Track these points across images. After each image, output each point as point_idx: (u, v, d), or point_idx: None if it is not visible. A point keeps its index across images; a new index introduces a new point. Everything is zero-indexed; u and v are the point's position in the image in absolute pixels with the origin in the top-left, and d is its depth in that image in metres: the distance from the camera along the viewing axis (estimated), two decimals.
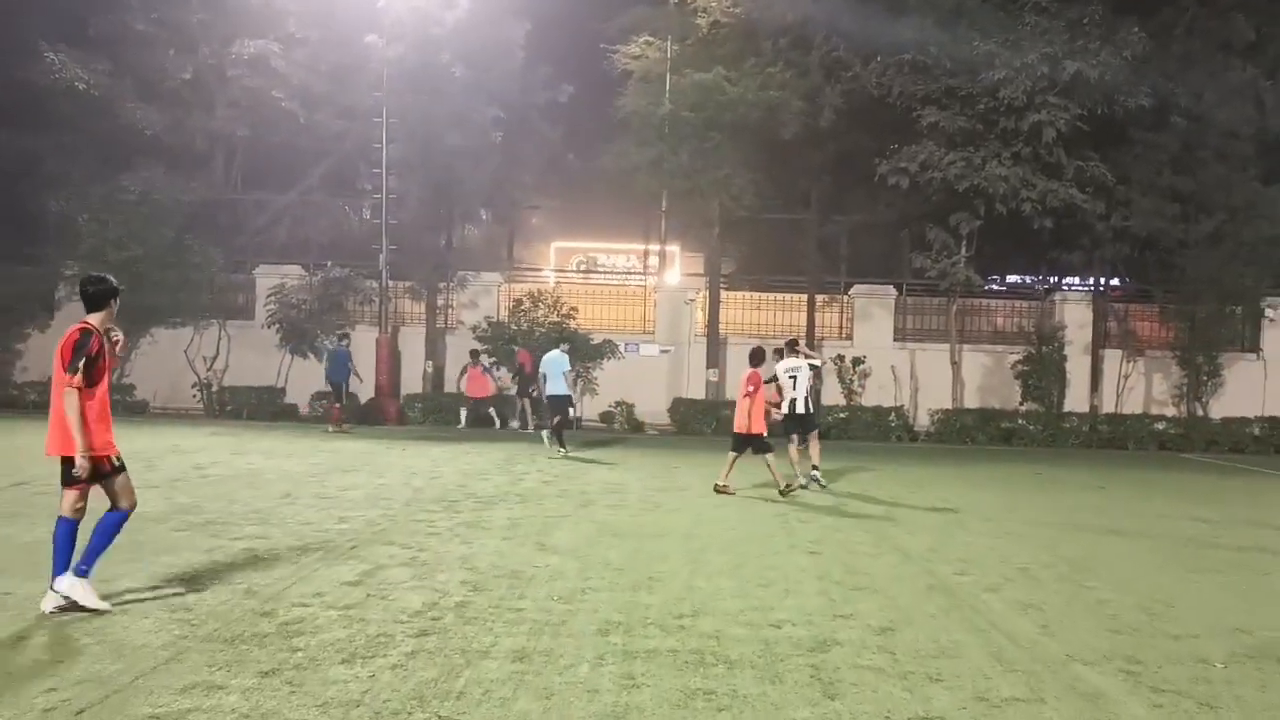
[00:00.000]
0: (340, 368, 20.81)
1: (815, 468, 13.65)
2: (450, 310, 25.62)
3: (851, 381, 24.25)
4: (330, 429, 20.28)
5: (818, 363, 14.26)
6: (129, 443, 16.23)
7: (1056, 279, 27.43)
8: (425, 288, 24.67)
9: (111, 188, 23.63)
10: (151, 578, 7.26)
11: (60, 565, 6.34)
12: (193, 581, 7.20)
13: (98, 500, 6.52)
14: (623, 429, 23.39)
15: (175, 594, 6.84)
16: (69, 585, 6.31)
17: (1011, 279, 30.07)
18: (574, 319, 24.34)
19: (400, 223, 23.69)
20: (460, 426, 22.14)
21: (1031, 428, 23.24)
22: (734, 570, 8.15)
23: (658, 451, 18.73)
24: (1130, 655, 6.11)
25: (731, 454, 12.93)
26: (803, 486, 13.12)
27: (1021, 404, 24.06)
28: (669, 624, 6.47)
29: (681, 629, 6.37)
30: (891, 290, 25.95)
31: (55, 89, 23.40)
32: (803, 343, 15.23)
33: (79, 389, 6.27)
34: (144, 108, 23.95)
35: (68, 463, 6.26)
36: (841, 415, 23.31)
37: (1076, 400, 24.68)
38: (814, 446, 13.72)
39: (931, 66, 21.47)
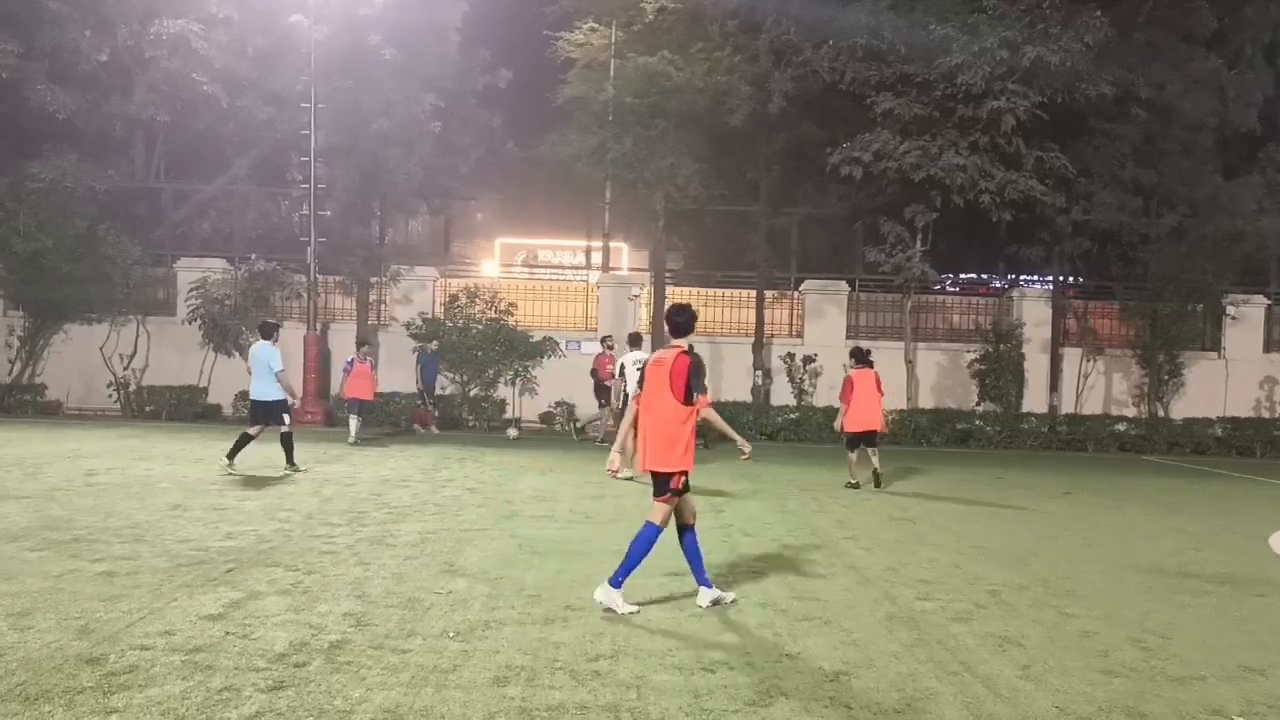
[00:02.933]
0: (432, 370, 21.19)
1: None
2: (383, 306, 24.34)
3: (802, 381, 23.34)
4: (419, 429, 20.93)
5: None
6: (25, 446, 15.10)
7: (1014, 275, 26.75)
8: (356, 282, 23.36)
9: (20, 175, 22.17)
10: None
11: (699, 574, 6.89)
12: (21, 616, 6.03)
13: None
14: (563, 430, 22.25)
15: None
16: (606, 594, 6.61)
17: (968, 275, 29.35)
18: (513, 315, 23.20)
19: (330, 214, 22.41)
20: (351, 441, 17.71)
21: (989, 429, 22.50)
22: (666, 598, 7.09)
23: (597, 456, 17.61)
24: (1131, 707, 5.13)
25: (851, 453, 13.92)
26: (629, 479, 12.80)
27: (978, 404, 23.31)
28: (581, 669, 5.40)
29: (596, 675, 5.30)
30: (844, 286, 25.09)
31: None
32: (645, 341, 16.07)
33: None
34: (56, 91, 22.32)
35: (668, 477, 6.63)
36: (792, 416, 22.38)
37: (1035, 400, 24.00)
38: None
39: (885, 52, 20.58)
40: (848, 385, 13.94)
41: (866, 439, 13.91)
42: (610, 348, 19.42)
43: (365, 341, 20.53)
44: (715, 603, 6.83)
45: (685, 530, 6.91)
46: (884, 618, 6.74)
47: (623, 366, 13.95)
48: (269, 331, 13.71)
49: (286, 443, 13.70)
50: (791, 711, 4.88)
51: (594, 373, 19.95)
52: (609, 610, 6.59)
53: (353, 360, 19.16)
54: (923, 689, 5.28)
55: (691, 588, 7.19)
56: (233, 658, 5.38)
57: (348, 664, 5.34)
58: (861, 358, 14.19)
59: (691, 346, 6.93)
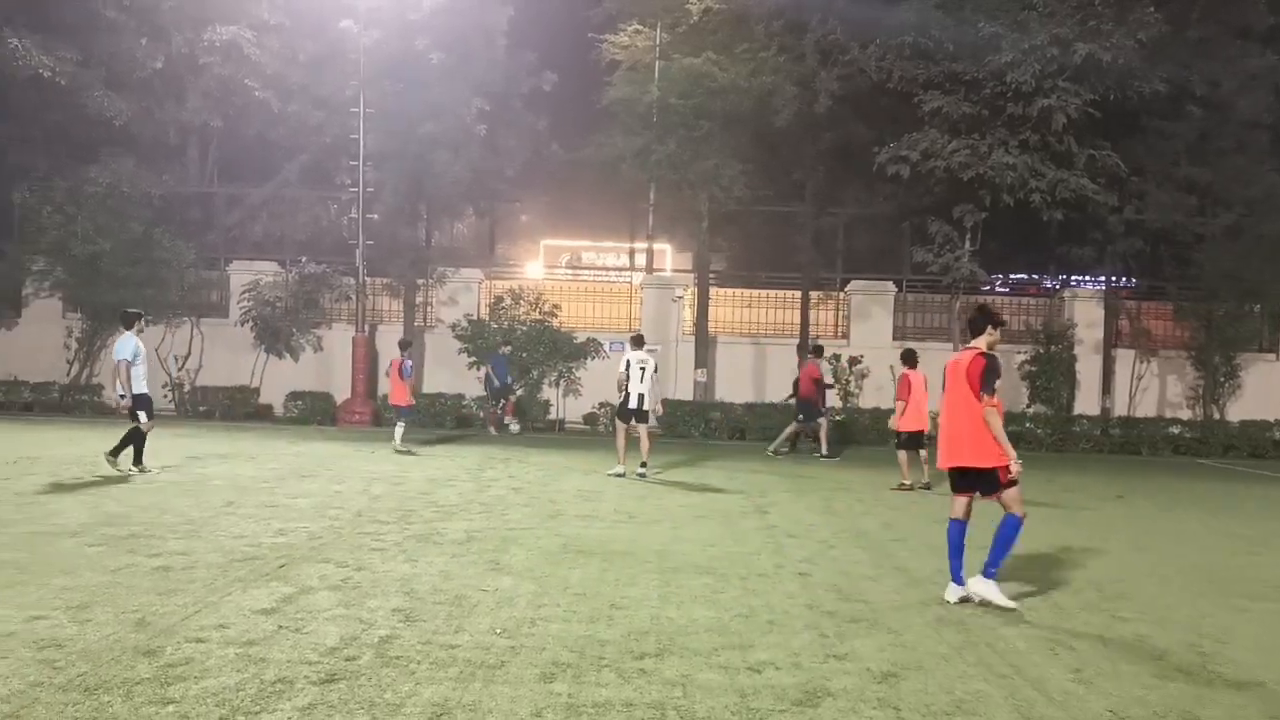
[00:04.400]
0: (502, 372, 21.51)
1: (644, 463, 14.17)
2: (429, 308, 24.57)
3: (848, 382, 23.17)
4: (507, 424, 21.30)
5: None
6: (83, 445, 15.42)
7: (1066, 275, 26.33)
8: (403, 284, 23.61)
9: (78, 180, 22.68)
10: (35, 604, 6.24)
11: (957, 569, 7.13)
12: (81, 609, 6.16)
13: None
14: (607, 431, 22.27)
15: (53, 626, 5.79)
16: (983, 587, 6.97)
17: (1018, 275, 28.95)
18: (557, 316, 23.30)
19: (378, 217, 22.67)
20: (397, 447, 16.57)
21: (1040, 431, 22.18)
22: (711, 597, 7.08)
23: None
24: (1187, 711, 5.04)
25: (903, 454, 14.04)
26: (632, 474, 13.86)
27: (1028, 406, 22.99)
28: (627, 666, 5.41)
29: (642, 673, 5.31)
30: (890, 286, 24.87)
31: (18, 77, 22.29)
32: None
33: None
34: (113, 97, 22.84)
35: (993, 473, 6.92)
36: (838, 418, 22.21)
37: (1087, 402, 23.62)
38: (645, 442, 14.25)
39: (933, 50, 20.34)
40: (904, 384, 14.21)
41: (918, 440, 14.09)
42: (821, 355, 18.95)
43: (408, 343, 18.86)
44: (964, 600, 7.09)
45: (961, 523, 7.25)
46: (932, 620, 6.68)
47: (626, 364, 14.19)
48: (128, 321, 13.08)
49: (131, 439, 12.77)
50: (839, 712, 4.86)
51: (797, 384, 18.64)
52: (984, 602, 6.91)
53: (394, 362, 17.51)
54: (973, 691, 5.22)
55: (741, 589, 7.19)
56: (285, 651, 5.46)
57: (397, 659, 5.40)
58: (912, 359, 14.45)
59: (991, 347, 7.20)
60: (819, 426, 18.11)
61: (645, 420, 14.32)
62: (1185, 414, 23.56)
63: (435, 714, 4.63)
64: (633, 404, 14.07)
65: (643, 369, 14.12)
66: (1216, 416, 23.28)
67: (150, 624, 5.90)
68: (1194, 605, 7.41)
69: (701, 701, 4.91)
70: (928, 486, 13.84)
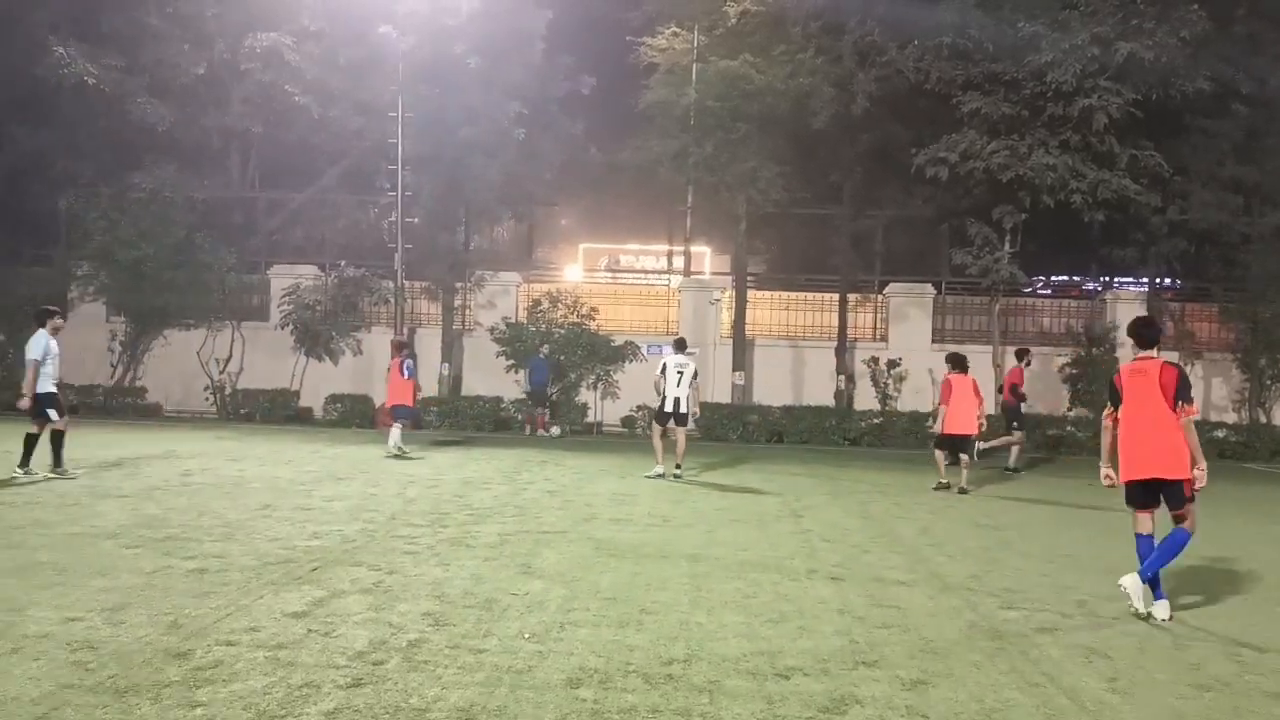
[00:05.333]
0: (541, 375, 21.66)
1: (678, 465, 14.33)
2: (467, 311, 24.71)
3: (886, 385, 22.98)
4: (542, 432, 21.47)
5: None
6: (125, 448, 15.68)
7: (1108, 277, 25.96)
8: (442, 288, 23.76)
9: (122, 186, 23.12)
10: (71, 605, 6.32)
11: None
12: (115, 611, 6.23)
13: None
14: (644, 434, 22.27)
15: (87, 627, 5.87)
16: (1134, 585, 6.92)
17: (1059, 277, 28.58)
18: (594, 319, 23.33)
19: (417, 221, 22.85)
20: (395, 449, 16.01)
21: (1080, 435, 21.82)
22: (742, 602, 7.04)
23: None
24: None
25: (939, 453, 14.15)
26: (669, 475, 14.09)
27: (1070, 410, 22.66)
28: (655, 672, 5.39)
29: (669, 679, 5.28)
30: (929, 289, 24.64)
31: (64, 85, 22.76)
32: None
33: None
34: (156, 104, 23.29)
35: (1182, 485, 6.88)
36: (876, 421, 22.06)
37: None
38: (681, 444, 14.42)
39: (972, 50, 20.15)
40: (946, 388, 14.17)
41: (960, 444, 14.05)
42: (1029, 362, 18.12)
43: (403, 343, 18.38)
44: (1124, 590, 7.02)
45: (1149, 537, 7.15)
46: (965, 627, 6.59)
47: (664, 367, 14.28)
48: (40, 318, 12.49)
49: (30, 443, 12.24)
50: (867, 719, 4.80)
51: (1003, 389, 18.15)
52: (1151, 616, 6.87)
53: (412, 363, 17.11)
54: (1003, 700, 5.14)
55: (772, 593, 7.15)
56: (314, 655, 5.49)
57: (425, 663, 5.41)
58: (958, 363, 14.36)
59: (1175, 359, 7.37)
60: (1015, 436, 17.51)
61: (683, 423, 14.45)
62: (1231, 417, 23.10)
63: (460, 719, 4.63)
64: (669, 407, 14.22)
65: (680, 373, 14.24)
66: (1263, 420, 22.81)
67: (183, 626, 5.96)
68: (1234, 613, 7.24)
69: (728, 709, 4.88)
70: (964, 490, 13.74)
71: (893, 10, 20.62)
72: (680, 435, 14.42)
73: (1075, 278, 28.17)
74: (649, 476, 14.12)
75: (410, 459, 15.78)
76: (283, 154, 25.81)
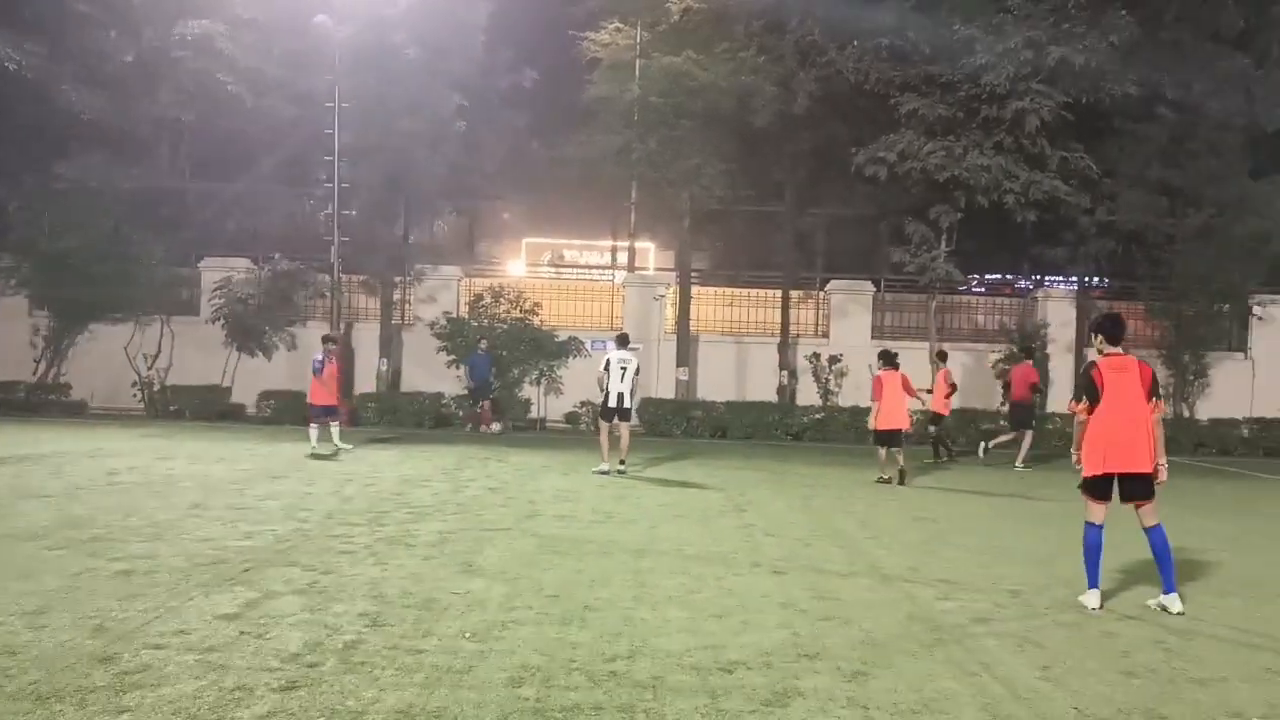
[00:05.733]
0: (482, 370, 21.41)
1: (623, 461, 14.42)
2: (407, 306, 24.41)
3: (828, 381, 23.22)
4: (485, 429, 21.12)
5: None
6: (49, 446, 15.22)
7: (1039, 276, 26.50)
8: (380, 282, 23.44)
9: (47, 176, 22.43)
10: None
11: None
12: (37, 615, 6.03)
13: None
14: (588, 430, 22.24)
15: (8, 632, 5.67)
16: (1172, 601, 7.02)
17: (993, 276, 29.10)
18: (538, 315, 23.20)
19: (355, 214, 22.49)
20: (314, 448, 15.61)
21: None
22: (685, 597, 7.04)
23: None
24: (1151, 709, 5.04)
25: (881, 449, 14.58)
26: (614, 471, 14.17)
27: (1003, 404, 23.05)
28: (598, 669, 5.35)
29: (612, 676, 5.25)
30: (869, 286, 24.95)
31: None
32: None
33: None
34: (83, 92, 22.52)
35: (1152, 478, 7.02)
36: (818, 416, 22.27)
37: (1060, 400, 23.72)
38: (625, 440, 14.50)
39: (910, 52, 20.42)
40: (877, 385, 14.57)
41: (894, 438, 14.44)
42: (1032, 356, 18.83)
43: (333, 338, 17.51)
44: (1163, 609, 7.09)
45: (1100, 528, 7.26)
46: (904, 617, 6.66)
47: (607, 363, 14.40)
48: None
49: None
50: (808, 712, 4.82)
51: (1008, 387, 18.92)
52: (1163, 609, 7.01)
53: (324, 360, 16.16)
54: (941, 689, 5.20)
55: (716, 588, 7.16)
56: (246, 657, 5.37)
57: (361, 664, 5.31)
58: (889, 360, 14.73)
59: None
60: (1023, 435, 17.84)
61: (627, 419, 14.57)
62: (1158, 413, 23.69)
63: None
64: (612, 403, 14.32)
65: (623, 368, 14.34)
66: (1187, 415, 23.46)
67: (108, 630, 5.79)
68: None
69: (671, 704, 4.86)
70: (902, 481, 14.13)
71: (833, 11, 20.78)
72: (624, 431, 14.53)
73: (1008, 276, 28.69)
74: (597, 472, 14.19)
75: (325, 459, 15.16)
76: (215, 144, 25.21)
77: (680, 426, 21.88)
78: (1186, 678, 5.59)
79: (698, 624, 6.33)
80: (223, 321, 22.75)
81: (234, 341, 22.90)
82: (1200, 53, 22.08)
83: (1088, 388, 7.18)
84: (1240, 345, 24.44)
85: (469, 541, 8.82)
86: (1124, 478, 7.05)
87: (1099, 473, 7.09)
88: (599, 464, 14.43)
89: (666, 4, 22.75)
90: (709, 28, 22.67)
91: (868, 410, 22.21)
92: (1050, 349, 23.65)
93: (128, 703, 4.65)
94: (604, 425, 14.65)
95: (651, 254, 29.62)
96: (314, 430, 15.95)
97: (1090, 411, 7.11)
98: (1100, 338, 7.30)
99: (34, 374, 22.95)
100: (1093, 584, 7.17)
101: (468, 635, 5.91)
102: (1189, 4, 22.20)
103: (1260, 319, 24.00)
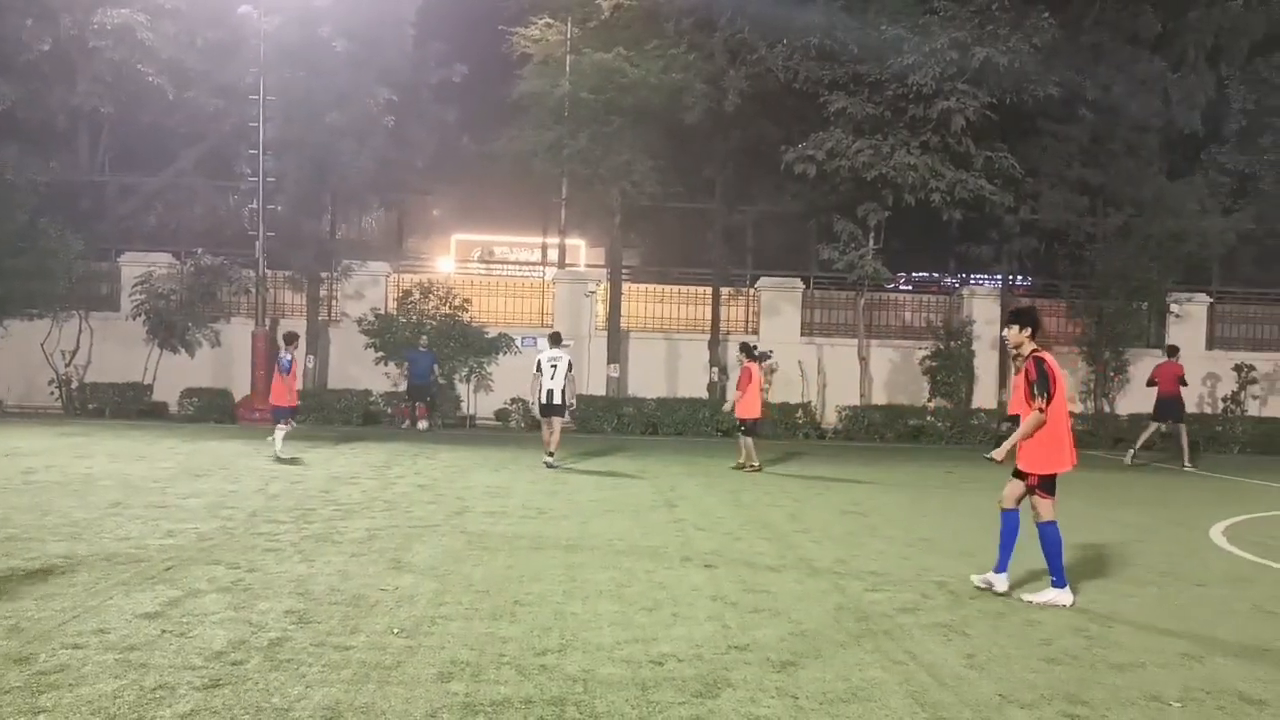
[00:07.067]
0: (421, 367, 21.16)
1: (550, 453, 14.77)
2: (334, 302, 24.03)
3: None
4: (412, 424, 21.04)
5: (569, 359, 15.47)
6: None
7: (965, 274, 27.02)
8: (306, 277, 23.03)
9: None
10: None
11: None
12: None
13: None
14: (518, 427, 22.15)
15: None
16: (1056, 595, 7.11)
17: (920, 274, 29.58)
18: (468, 311, 23.00)
19: (280, 208, 22.03)
20: (277, 452, 14.71)
21: (940, 425, 22.67)
22: (616, 591, 7.05)
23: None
24: (1072, 694, 5.18)
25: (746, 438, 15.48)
26: (544, 465, 14.62)
27: (930, 400, 23.51)
28: (528, 663, 5.34)
29: (543, 669, 5.25)
30: (799, 283, 25.16)
31: None
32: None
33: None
34: None
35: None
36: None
37: (985, 396, 24.24)
38: (556, 434, 14.87)
39: (838, 51, 20.67)
40: (745, 375, 15.52)
41: (756, 427, 15.82)
42: (1176, 355, 18.83)
43: (294, 335, 16.39)
44: (987, 585, 7.35)
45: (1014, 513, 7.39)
46: (833, 609, 6.75)
47: (539, 363, 14.89)
48: None
49: None
50: (738, 702, 4.86)
51: (1162, 381, 18.34)
52: (1051, 605, 7.02)
53: (291, 358, 15.62)
54: (869, 678, 5.29)
55: (646, 582, 7.19)
56: (168, 656, 5.26)
57: (287, 661, 5.24)
58: (750, 353, 15.94)
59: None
60: (1180, 432, 17.98)
61: (559, 414, 14.94)
62: (1077, 408, 24.29)
63: (325, 717, 4.50)
64: (543, 399, 14.78)
65: (554, 366, 14.79)
66: (1107, 410, 24.09)
67: (24, 630, 5.64)
68: (1081, 592, 7.60)
69: (602, 696, 4.87)
70: (758, 468, 15.27)
71: (763, 9, 20.96)
72: (556, 425, 14.87)
73: (934, 274, 29.17)
74: (545, 464, 14.75)
75: (287, 463, 14.39)
76: (136, 136, 24.53)
77: (611, 423, 21.87)
78: (1106, 663, 5.76)
79: (629, 617, 6.35)
80: (144, 318, 22.13)
81: (155, 338, 22.28)
82: (1119, 55, 22.75)
83: (1046, 384, 7.00)
84: (1158, 342, 25.11)
85: (398, 538, 8.74)
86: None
87: (1061, 469, 7.18)
88: (544, 456, 14.89)
89: (597, 0, 22.71)
90: (640, 24, 22.67)
91: (797, 407, 22.76)
92: (976, 345, 24.10)
93: (44, 703, 4.54)
94: (543, 422, 15.11)
95: (582, 250, 29.55)
96: (279, 432, 14.97)
97: (1047, 408, 7.00)
98: (1024, 329, 7.25)
99: None
100: (1060, 582, 7.16)
101: (396, 631, 5.86)
102: (1109, 7, 22.88)
103: (1177, 316, 24.70)
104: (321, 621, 6.00)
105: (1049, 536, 7.13)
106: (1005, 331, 7.47)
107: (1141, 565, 8.87)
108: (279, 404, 15.47)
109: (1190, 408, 24.10)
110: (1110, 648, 6.08)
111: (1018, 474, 7.22)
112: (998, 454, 7.26)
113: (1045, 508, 7.16)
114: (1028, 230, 23.72)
